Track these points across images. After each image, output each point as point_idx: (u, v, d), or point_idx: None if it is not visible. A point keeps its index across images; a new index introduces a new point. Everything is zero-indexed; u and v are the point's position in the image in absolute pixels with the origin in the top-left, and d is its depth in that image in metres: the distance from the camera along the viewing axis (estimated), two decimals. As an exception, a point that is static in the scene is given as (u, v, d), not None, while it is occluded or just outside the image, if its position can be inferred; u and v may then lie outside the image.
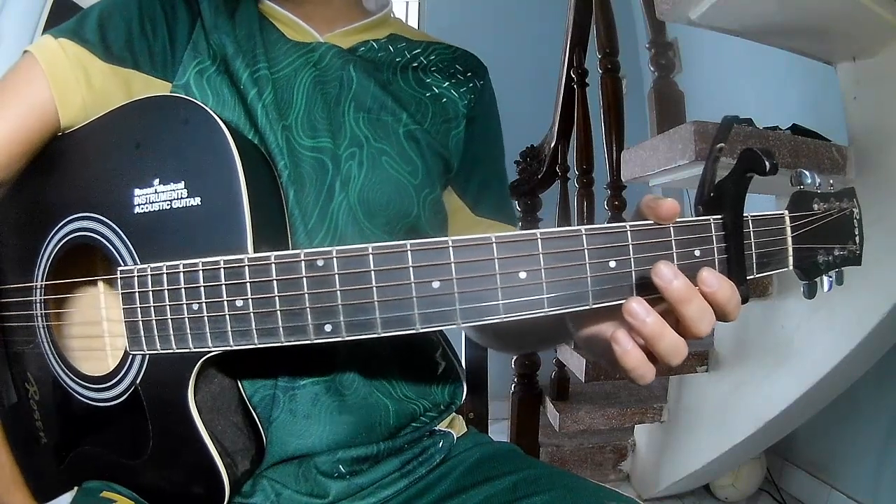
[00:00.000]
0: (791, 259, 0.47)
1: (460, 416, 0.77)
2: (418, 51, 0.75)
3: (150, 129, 0.52)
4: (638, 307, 0.40)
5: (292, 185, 0.59)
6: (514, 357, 1.90)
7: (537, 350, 1.78)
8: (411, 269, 0.41)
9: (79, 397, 0.56)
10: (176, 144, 0.50)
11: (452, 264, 0.40)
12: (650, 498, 1.94)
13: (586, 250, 0.42)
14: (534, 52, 2.74)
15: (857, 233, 0.49)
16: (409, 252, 0.41)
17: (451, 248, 0.40)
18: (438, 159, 0.70)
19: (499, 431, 2.10)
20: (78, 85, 0.58)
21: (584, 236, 0.42)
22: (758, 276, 0.45)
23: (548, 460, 1.96)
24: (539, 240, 0.41)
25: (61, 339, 0.60)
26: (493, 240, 0.40)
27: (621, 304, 0.41)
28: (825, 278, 0.48)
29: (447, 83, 0.74)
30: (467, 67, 0.77)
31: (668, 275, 0.40)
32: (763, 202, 1.58)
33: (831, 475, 1.83)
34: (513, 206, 0.86)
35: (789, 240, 0.46)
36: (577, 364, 1.67)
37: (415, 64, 0.73)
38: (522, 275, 0.41)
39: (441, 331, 0.75)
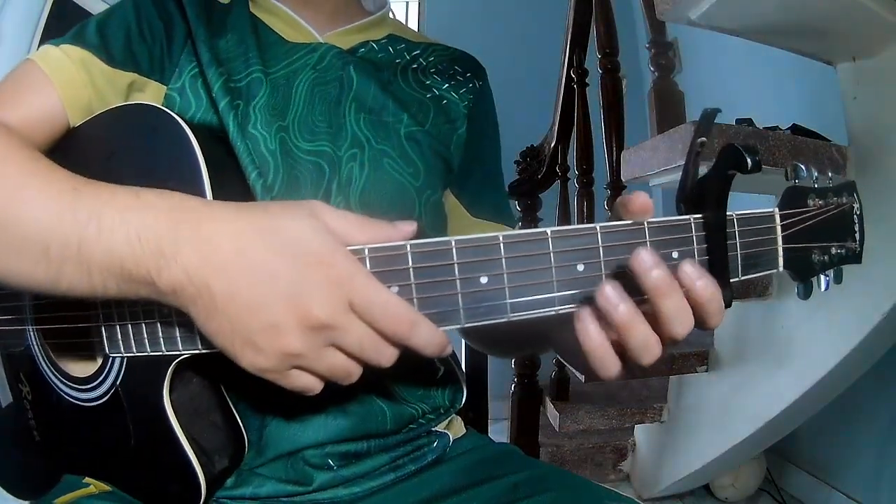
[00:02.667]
0: (781, 260, 0.44)
1: (459, 418, 0.76)
2: (417, 52, 0.75)
3: (121, 138, 0.53)
4: (612, 291, 0.38)
5: (284, 190, 0.58)
6: (514, 356, 1.90)
7: (535, 354, 1.78)
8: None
9: (66, 398, 0.57)
10: (145, 152, 0.51)
11: (410, 269, 0.39)
12: (650, 498, 1.94)
13: (552, 254, 0.40)
14: (534, 52, 2.73)
15: (857, 229, 0.46)
16: (367, 256, 0.40)
17: (409, 254, 0.39)
18: (440, 160, 0.70)
19: (498, 431, 2.10)
20: (84, 85, 0.58)
21: (549, 239, 0.40)
22: (743, 278, 0.43)
23: (548, 460, 1.95)
24: (501, 244, 0.39)
25: (53, 340, 0.60)
26: (454, 244, 0.39)
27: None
28: (822, 277, 0.46)
29: (447, 85, 0.73)
30: (466, 68, 0.77)
31: (648, 261, 0.38)
32: (764, 202, 1.57)
33: (831, 475, 1.82)
34: (511, 207, 0.85)
35: (779, 239, 0.44)
36: (576, 364, 1.67)
37: (414, 65, 0.73)
38: (483, 279, 0.39)
39: None
